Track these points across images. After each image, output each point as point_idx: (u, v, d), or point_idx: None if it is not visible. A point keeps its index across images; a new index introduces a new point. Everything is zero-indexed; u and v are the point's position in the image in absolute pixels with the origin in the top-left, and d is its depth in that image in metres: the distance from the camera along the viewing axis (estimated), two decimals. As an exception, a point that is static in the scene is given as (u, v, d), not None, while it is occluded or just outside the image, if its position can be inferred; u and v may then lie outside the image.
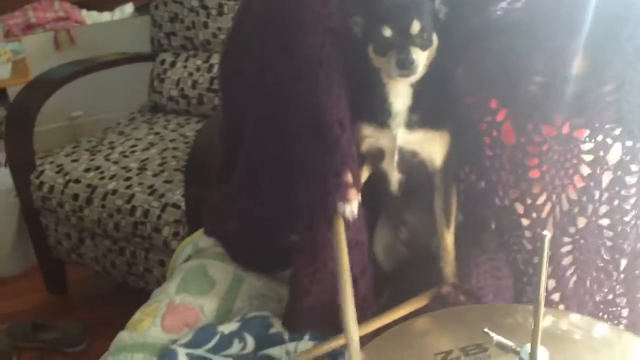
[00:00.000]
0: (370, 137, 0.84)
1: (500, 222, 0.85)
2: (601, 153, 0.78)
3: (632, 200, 0.80)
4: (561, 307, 0.83)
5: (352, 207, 0.83)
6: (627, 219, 0.82)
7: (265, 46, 0.91)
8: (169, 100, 2.28)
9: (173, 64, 2.28)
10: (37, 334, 1.92)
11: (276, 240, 0.97)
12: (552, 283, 0.83)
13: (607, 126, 0.77)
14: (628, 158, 0.78)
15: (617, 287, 0.84)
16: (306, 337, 0.87)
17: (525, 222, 0.82)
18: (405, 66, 0.77)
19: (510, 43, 0.78)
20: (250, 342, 0.88)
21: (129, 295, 1.58)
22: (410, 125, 0.82)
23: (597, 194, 0.79)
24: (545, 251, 0.53)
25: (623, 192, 0.81)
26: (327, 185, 0.81)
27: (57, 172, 1.93)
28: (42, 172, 1.95)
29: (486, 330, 0.63)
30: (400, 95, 0.81)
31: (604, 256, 0.82)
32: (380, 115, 0.83)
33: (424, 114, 0.82)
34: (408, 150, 0.84)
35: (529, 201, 0.81)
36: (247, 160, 1.00)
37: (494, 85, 0.81)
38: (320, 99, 0.81)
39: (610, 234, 0.81)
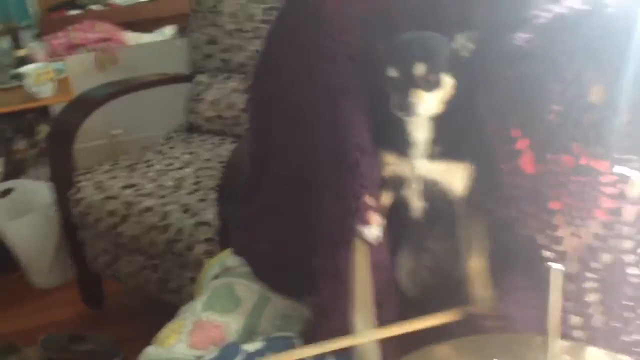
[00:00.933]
0: (392, 164, 0.86)
1: (526, 252, 0.85)
2: (622, 186, 0.78)
3: (658, 236, 0.80)
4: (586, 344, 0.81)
5: (373, 230, 0.84)
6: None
7: (289, 72, 0.93)
8: (205, 121, 2.34)
9: (209, 85, 2.33)
10: (71, 345, 1.97)
11: (303, 263, 0.99)
12: (576, 320, 0.82)
13: (626, 157, 0.77)
14: (652, 192, 0.78)
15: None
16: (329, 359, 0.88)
17: (547, 254, 0.82)
18: (403, 109, 0.77)
19: (528, 71, 0.79)
20: (274, 362, 0.89)
21: (162, 311, 1.60)
22: (432, 156, 0.83)
23: (620, 228, 0.79)
24: (553, 284, 0.54)
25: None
26: (346, 207, 0.82)
27: (96, 189, 1.99)
28: (80, 188, 2.01)
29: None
30: (419, 128, 0.82)
31: (629, 293, 0.81)
32: (401, 145, 0.84)
33: (445, 146, 0.83)
34: (429, 180, 0.85)
35: (549, 233, 0.82)
36: (272, 182, 1.02)
37: (514, 114, 0.81)
38: (341, 126, 0.83)
39: (636, 270, 0.80)
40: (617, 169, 0.77)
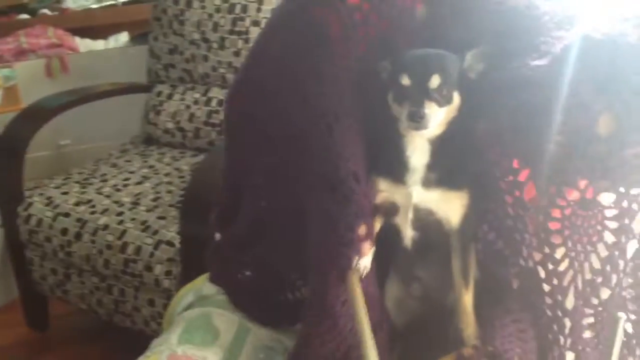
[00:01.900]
0: (385, 191, 0.83)
1: (524, 283, 0.83)
2: (626, 221, 0.76)
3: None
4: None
5: (365, 261, 0.82)
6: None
7: (281, 93, 0.89)
8: (164, 133, 2.25)
9: (170, 96, 2.25)
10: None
11: (287, 292, 0.94)
12: (570, 356, 0.80)
13: (632, 191, 0.76)
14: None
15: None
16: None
17: (546, 287, 0.80)
18: (415, 119, 0.75)
19: (532, 99, 0.77)
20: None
21: (111, 335, 1.53)
22: (427, 183, 0.81)
23: (621, 264, 0.78)
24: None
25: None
26: (340, 240, 0.79)
27: (46, 205, 1.87)
28: (30, 204, 1.89)
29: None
30: (417, 150, 0.80)
31: (628, 330, 0.80)
32: (397, 170, 0.81)
33: (442, 172, 0.81)
34: (424, 209, 0.82)
35: (550, 266, 0.79)
36: (255, 206, 0.97)
37: (516, 144, 0.79)
38: (335, 152, 0.80)
39: (635, 307, 0.79)
40: (624, 202, 0.76)
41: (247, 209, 0.99)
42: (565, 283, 0.80)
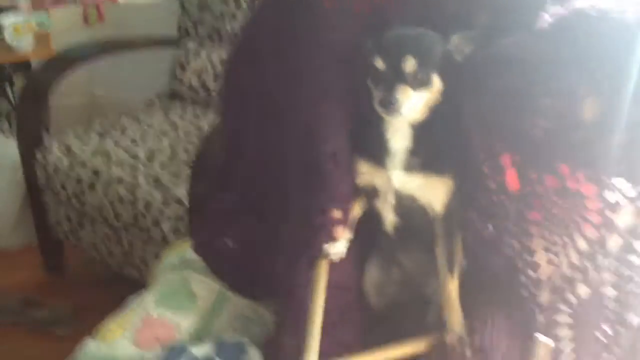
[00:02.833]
0: (366, 174, 0.81)
1: (509, 274, 0.79)
2: (608, 214, 0.72)
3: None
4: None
5: (338, 246, 0.80)
6: (636, 290, 0.75)
7: (271, 66, 0.87)
8: (188, 89, 2.24)
9: (197, 53, 2.24)
10: (26, 309, 1.91)
11: (268, 267, 0.93)
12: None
13: (618, 182, 0.71)
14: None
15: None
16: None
17: (523, 279, 0.77)
18: (386, 105, 0.72)
19: (516, 82, 0.73)
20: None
21: (122, 284, 1.56)
22: (409, 168, 0.78)
23: (602, 260, 0.74)
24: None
25: (632, 260, 0.74)
26: (312, 221, 0.78)
27: (64, 153, 1.90)
28: (48, 150, 1.93)
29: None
30: (398, 133, 0.77)
31: (606, 330, 0.76)
32: (377, 153, 0.79)
33: (426, 157, 0.78)
34: (406, 195, 0.80)
35: (526, 257, 0.76)
36: (245, 177, 0.96)
37: (499, 127, 0.75)
38: (317, 133, 0.78)
39: (615, 305, 0.75)
40: (607, 194, 0.71)
41: (240, 178, 0.97)
42: (541, 277, 0.76)
